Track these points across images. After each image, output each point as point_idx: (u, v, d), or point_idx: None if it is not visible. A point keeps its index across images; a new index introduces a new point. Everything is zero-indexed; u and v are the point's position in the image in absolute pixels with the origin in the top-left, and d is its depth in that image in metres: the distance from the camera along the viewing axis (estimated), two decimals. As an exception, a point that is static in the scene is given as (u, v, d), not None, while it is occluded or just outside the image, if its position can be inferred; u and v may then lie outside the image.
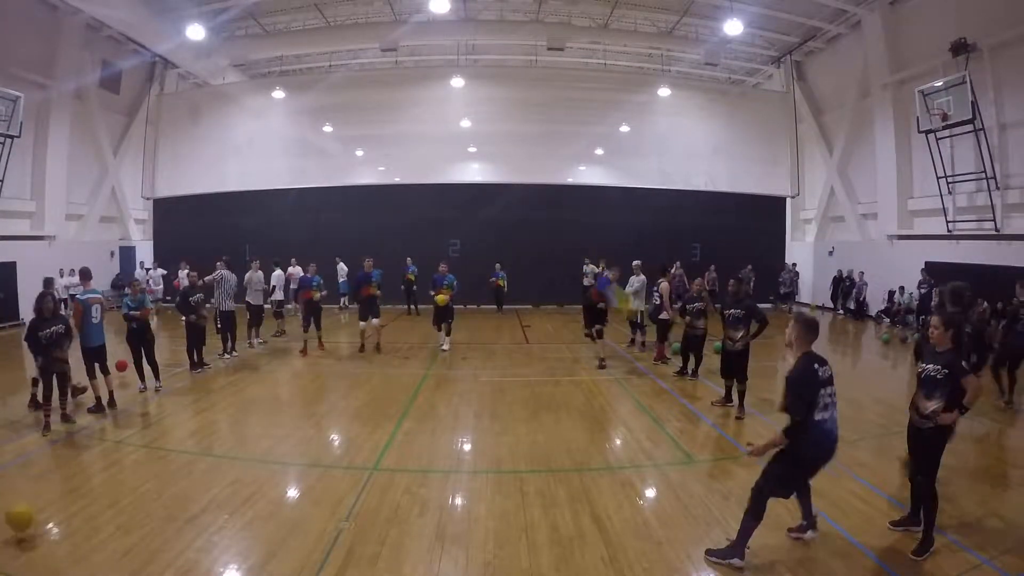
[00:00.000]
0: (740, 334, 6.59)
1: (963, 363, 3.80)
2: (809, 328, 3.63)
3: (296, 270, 15.67)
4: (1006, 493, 4.68)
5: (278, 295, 12.40)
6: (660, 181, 18.21)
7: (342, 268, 16.30)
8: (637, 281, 10.30)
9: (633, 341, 10.91)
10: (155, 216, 19.03)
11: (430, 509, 4.33)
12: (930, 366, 3.80)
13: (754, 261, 16.59)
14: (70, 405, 6.35)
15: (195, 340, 8.83)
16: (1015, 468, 5.36)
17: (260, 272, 11.05)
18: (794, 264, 18.27)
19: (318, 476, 4.98)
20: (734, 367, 6.70)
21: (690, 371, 8.47)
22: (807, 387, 3.43)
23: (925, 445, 3.78)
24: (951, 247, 13.33)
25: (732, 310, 6.70)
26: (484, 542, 3.85)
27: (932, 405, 3.72)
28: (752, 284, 16.83)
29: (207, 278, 9.89)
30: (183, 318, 8.82)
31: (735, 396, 6.82)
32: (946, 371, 3.72)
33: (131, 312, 7.48)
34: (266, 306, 11.33)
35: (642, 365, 9.45)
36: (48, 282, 7.28)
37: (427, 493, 4.61)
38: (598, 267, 13.61)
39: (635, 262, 10.59)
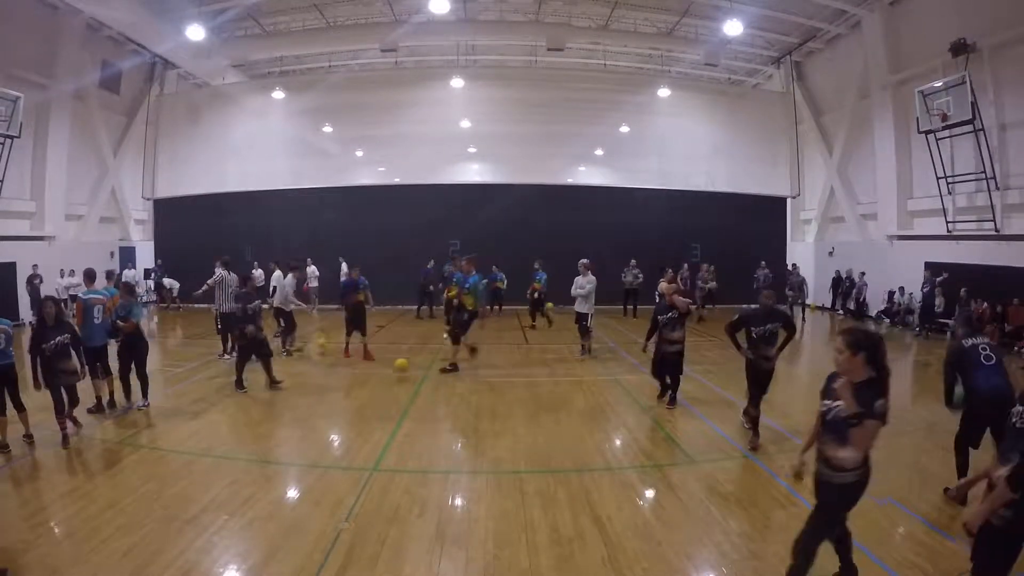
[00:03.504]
0: (775, 350, 5.74)
1: (881, 401, 2.74)
2: None
3: (312, 269, 15.64)
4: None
5: (278, 297, 12.36)
6: (660, 181, 18.22)
7: (345, 269, 16.29)
8: (587, 283, 9.43)
9: (586, 349, 10.08)
10: (155, 216, 19.05)
11: (430, 509, 4.33)
12: (838, 403, 2.85)
13: (754, 261, 16.54)
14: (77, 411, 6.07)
15: (248, 354, 7.86)
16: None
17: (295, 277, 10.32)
18: (796, 266, 17.95)
19: (318, 476, 4.98)
20: (765, 384, 5.81)
21: (669, 397, 7.09)
22: None
23: (834, 499, 2.94)
24: (951, 247, 13.34)
25: (768, 325, 5.65)
26: (484, 542, 3.85)
27: (845, 454, 2.81)
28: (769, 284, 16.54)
29: (209, 281, 9.87)
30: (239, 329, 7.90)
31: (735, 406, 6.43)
32: (862, 411, 2.74)
33: (117, 320, 6.63)
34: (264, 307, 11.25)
35: (642, 365, 9.43)
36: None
37: (427, 493, 4.61)
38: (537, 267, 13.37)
39: (582, 260, 9.61)
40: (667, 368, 6.99)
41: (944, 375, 4.57)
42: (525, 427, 6.33)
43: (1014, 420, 2.74)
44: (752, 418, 5.73)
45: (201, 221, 17.52)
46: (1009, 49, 11.72)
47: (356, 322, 9.68)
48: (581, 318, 9.77)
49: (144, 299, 17.48)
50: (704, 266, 15.26)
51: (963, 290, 12.11)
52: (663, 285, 9.10)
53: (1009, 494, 2.44)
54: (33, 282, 14.03)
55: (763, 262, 16.43)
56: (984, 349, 4.43)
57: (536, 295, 13.29)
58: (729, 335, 5.91)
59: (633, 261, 15.10)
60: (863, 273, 15.96)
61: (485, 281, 8.84)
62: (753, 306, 6.30)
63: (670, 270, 10.48)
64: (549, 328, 12.96)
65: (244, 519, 4.13)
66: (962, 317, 4.94)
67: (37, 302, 12.14)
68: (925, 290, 13.28)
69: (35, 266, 14.19)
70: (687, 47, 18.06)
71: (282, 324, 10.38)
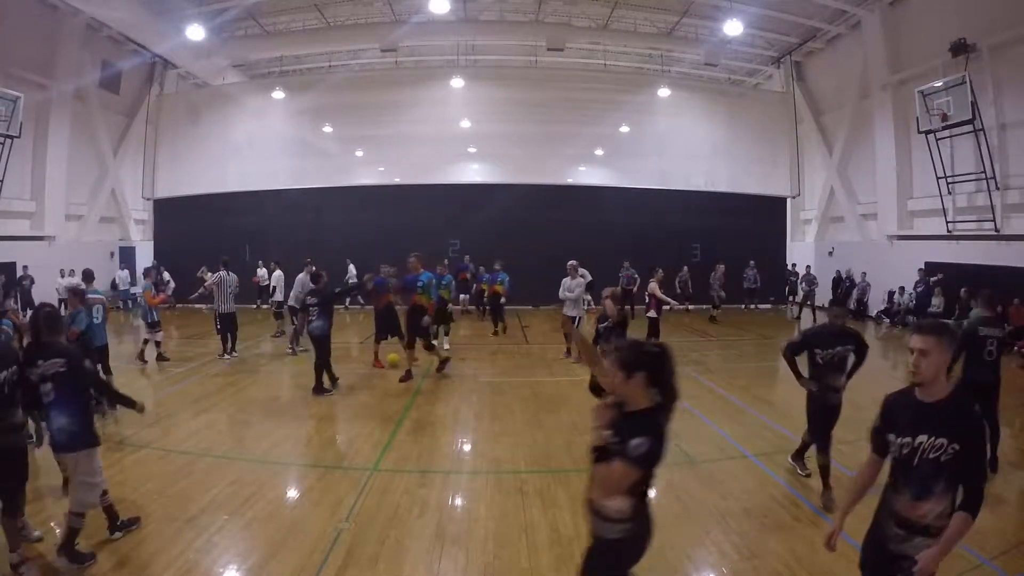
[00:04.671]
0: (844, 378, 4.54)
1: (639, 440, 2.15)
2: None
3: (306, 272, 15.54)
4: (1006, 493, 4.68)
5: (278, 296, 12.40)
6: (660, 181, 18.24)
7: (351, 269, 16.30)
8: (575, 285, 9.00)
9: (569, 351, 9.67)
10: (155, 216, 19.07)
11: (430, 509, 4.33)
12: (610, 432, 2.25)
13: (752, 262, 16.57)
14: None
15: (325, 354, 7.60)
16: (1016, 468, 5.35)
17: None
18: (799, 265, 17.58)
19: (318, 476, 4.99)
20: (831, 423, 4.55)
21: None
22: None
23: (598, 557, 2.32)
24: (951, 247, 13.35)
25: (838, 347, 4.46)
26: (484, 542, 3.85)
27: (606, 500, 2.22)
28: (757, 283, 16.68)
29: (208, 283, 9.87)
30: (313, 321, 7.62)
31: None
32: (614, 443, 2.24)
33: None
34: (264, 307, 11.27)
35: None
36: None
37: (427, 493, 4.61)
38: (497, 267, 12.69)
39: (570, 262, 9.24)
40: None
41: (955, 350, 4.68)
42: (525, 427, 6.33)
43: (930, 455, 2.15)
44: (822, 466, 4.48)
45: (201, 221, 17.52)
46: (1009, 49, 11.73)
47: (389, 325, 8.67)
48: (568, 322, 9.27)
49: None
50: (720, 267, 15.27)
51: (963, 290, 12.11)
52: (652, 285, 8.90)
53: (970, 524, 2.10)
54: (23, 283, 13.92)
55: (752, 262, 16.53)
56: (991, 344, 4.82)
57: (500, 299, 12.33)
58: (789, 360, 4.64)
59: (626, 263, 15.06)
60: (863, 273, 15.97)
61: (441, 280, 8.55)
62: (822, 323, 5.26)
63: (660, 270, 10.24)
64: (504, 334, 12.26)
65: (244, 519, 4.13)
66: (983, 298, 5.32)
67: (31, 307, 11.79)
68: (919, 289, 13.30)
69: (25, 267, 14.14)
70: (687, 47, 18.10)
71: (294, 322, 10.44)
